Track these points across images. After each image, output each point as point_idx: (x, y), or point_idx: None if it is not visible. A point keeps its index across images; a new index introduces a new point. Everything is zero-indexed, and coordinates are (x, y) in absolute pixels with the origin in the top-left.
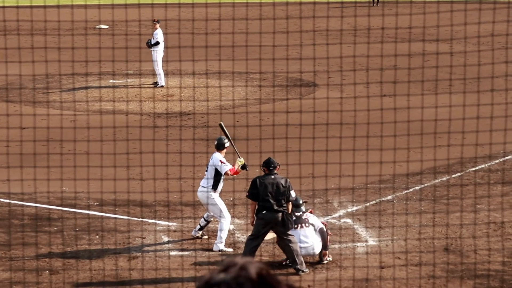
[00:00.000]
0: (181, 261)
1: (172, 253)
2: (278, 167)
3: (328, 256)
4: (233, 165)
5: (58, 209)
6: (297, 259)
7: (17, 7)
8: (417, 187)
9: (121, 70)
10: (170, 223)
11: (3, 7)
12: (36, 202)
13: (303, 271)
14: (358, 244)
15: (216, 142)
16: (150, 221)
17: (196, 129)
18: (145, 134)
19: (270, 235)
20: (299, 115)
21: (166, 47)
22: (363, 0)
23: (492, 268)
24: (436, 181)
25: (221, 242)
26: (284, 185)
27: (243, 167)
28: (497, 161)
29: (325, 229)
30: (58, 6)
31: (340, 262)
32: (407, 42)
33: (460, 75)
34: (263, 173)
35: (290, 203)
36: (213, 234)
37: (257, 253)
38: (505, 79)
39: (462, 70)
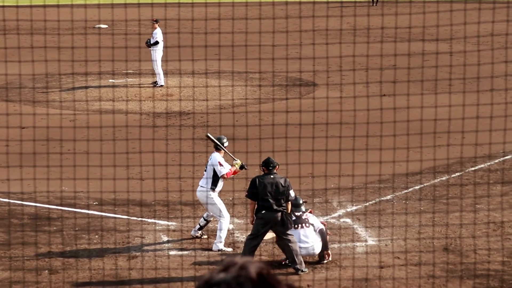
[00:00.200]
0: (181, 261)
1: (172, 252)
2: (277, 166)
3: (328, 256)
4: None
5: (57, 209)
6: (296, 259)
7: (17, 6)
8: (417, 187)
9: (120, 69)
10: (170, 223)
11: (3, 6)
12: (35, 202)
13: (302, 271)
14: (358, 243)
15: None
16: (150, 220)
17: (196, 129)
18: (144, 134)
19: (270, 235)
20: (298, 114)
21: (165, 47)
22: None
23: (492, 268)
24: (436, 180)
25: (221, 242)
26: (283, 184)
27: (242, 167)
28: (496, 160)
29: (324, 230)
30: (57, 6)
31: (339, 262)
32: (406, 42)
33: (459, 75)
34: (262, 173)
35: (290, 202)
36: (213, 233)
37: (257, 252)
38: (505, 78)
39: (462, 69)
